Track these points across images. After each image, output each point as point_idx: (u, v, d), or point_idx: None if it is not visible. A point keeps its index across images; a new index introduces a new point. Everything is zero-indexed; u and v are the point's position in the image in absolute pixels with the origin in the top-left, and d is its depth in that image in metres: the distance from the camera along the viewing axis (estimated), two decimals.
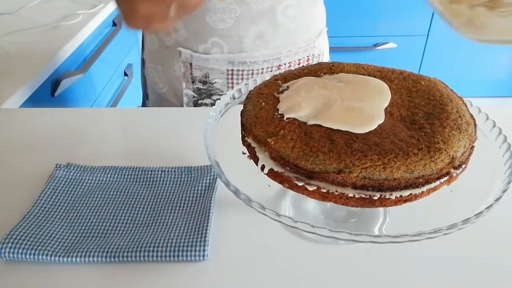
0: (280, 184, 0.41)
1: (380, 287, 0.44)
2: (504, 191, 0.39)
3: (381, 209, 0.52)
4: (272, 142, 0.40)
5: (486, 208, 0.37)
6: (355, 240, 0.36)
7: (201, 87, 0.81)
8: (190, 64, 0.79)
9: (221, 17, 0.73)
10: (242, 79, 0.79)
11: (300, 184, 0.39)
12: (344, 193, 0.38)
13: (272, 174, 0.41)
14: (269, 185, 0.44)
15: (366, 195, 0.38)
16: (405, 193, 0.38)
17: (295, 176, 0.39)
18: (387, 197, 0.38)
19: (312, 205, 0.52)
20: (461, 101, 0.45)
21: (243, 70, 0.78)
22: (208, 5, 0.72)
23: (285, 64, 0.80)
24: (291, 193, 0.53)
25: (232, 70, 0.78)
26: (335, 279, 0.44)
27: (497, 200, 0.38)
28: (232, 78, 0.79)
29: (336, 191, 0.38)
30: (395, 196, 0.38)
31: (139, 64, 0.95)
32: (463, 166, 0.41)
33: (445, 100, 0.45)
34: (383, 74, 0.50)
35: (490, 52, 2.01)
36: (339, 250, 0.47)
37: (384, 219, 0.50)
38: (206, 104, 0.83)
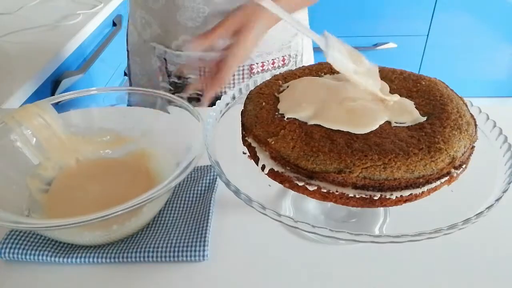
0: (280, 184, 0.41)
1: (380, 287, 0.44)
2: (504, 191, 0.39)
3: (381, 209, 0.52)
4: (273, 142, 0.40)
5: (486, 208, 0.37)
6: (355, 240, 0.36)
7: (177, 81, 0.82)
8: (165, 59, 0.80)
9: (190, 16, 0.74)
10: None
11: (301, 184, 0.39)
12: (344, 193, 0.38)
13: (272, 174, 0.41)
14: (269, 185, 0.44)
15: (366, 195, 0.38)
16: (406, 193, 0.38)
17: (296, 176, 0.39)
18: (387, 197, 0.38)
19: (312, 205, 0.52)
20: (461, 101, 0.45)
21: None
22: (178, 3, 0.73)
23: (257, 63, 0.80)
24: (291, 193, 0.53)
25: (204, 67, 0.79)
26: (335, 279, 0.44)
27: (497, 200, 0.38)
28: (204, 75, 0.79)
29: (337, 191, 0.38)
30: (396, 196, 0.38)
31: None
32: (464, 166, 0.41)
33: (446, 100, 0.45)
34: (384, 74, 0.50)
35: (490, 52, 2.01)
36: (339, 250, 0.47)
37: (385, 219, 0.50)
38: (182, 98, 0.83)
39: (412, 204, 0.40)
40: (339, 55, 0.43)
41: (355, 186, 0.38)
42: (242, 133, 0.46)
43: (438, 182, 0.39)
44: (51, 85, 1.03)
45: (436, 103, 0.44)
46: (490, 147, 0.45)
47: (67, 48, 1.08)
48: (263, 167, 0.42)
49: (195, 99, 0.83)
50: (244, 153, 0.45)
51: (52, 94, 1.03)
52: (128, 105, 0.61)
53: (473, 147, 0.42)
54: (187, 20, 0.75)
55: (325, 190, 0.39)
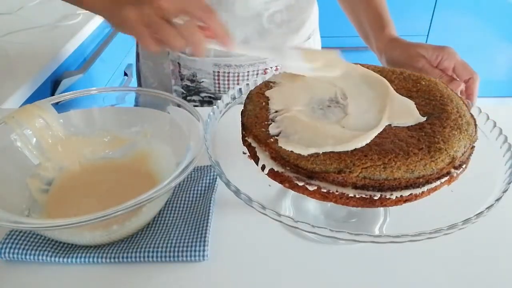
0: (280, 184, 0.41)
1: (380, 287, 0.44)
2: (504, 191, 0.39)
3: (381, 209, 0.51)
4: (272, 142, 0.40)
5: (486, 208, 0.37)
6: (355, 240, 0.36)
7: (190, 84, 0.82)
8: (178, 63, 0.80)
9: None
10: (228, 80, 0.80)
11: (301, 184, 0.39)
12: (344, 193, 0.38)
13: (272, 174, 0.41)
14: (269, 185, 0.44)
15: (366, 195, 0.38)
16: (406, 193, 0.38)
17: (296, 176, 0.39)
18: (387, 197, 0.38)
19: (312, 205, 0.52)
20: (461, 101, 0.45)
21: (229, 73, 0.79)
22: None
23: (271, 67, 0.81)
24: (291, 193, 0.53)
25: (219, 72, 0.79)
26: (335, 279, 0.44)
27: (497, 200, 0.38)
28: (218, 79, 0.80)
29: (337, 191, 0.38)
30: (396, 196, 0.38)
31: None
32: (464, 166, 0.41)
33: (446, 100, 0.45)
34: (384, 74, 0.50)
35: (490, 52, 2.01)
36: (339, 250, 0.47)
37: (385, 219, 0.50)
38: (194, 101, 0.84)
39: (412, 204, 0.40)
40: (293, 62, 0.48)
41: (355, 186, 0.38)
42: (242, 133, 0.46)
43: (438, 182, 0.39)
44: (51, 85, 1.03)
45: (436, 103, 0.44)
46: (490, 147, 0.45)
47: (67, 48, 1.08)
48: (263, 167, 0.42)
49: (207, 102, 0.83)
50: (244, 153, 0.45)
51: (52, 94, 1.03)
52: (135, 105, 0.61)
53: (473, 147, 0.42)
54: None
55: (325, 190, 0.39)
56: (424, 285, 0.44)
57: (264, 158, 0.42)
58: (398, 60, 0.65)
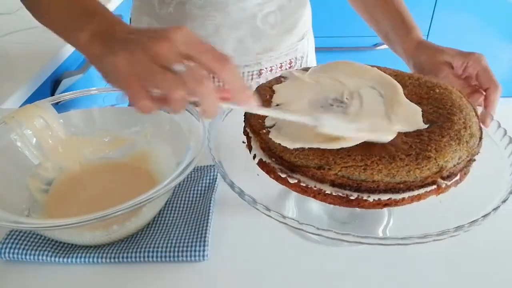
0: (267, 174, 0.42)
1: (381, 287, 0.44)
2: (510, 193, 0.38)
3: (385, 210, 0.51)
4: (264, 133, 0.41)
5: (492, 210, 0.37)
6: (360, 242, 0.36)
7: None
8: None
9: (201, 24, 0.73)
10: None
11: (283, 176, 0.40)
12: (322, 189, 0.39)
13: (261, 164, 0.42)
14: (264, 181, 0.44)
15: (343, 194, 0.38)
16: (384, 197, 0.38)
17: (279, 168, 0.40)
18: (364, 198, 0.38)
19: (315, 205, 0.52)
20: (473, 113, 0.44)
21: None
22: (187, 12, 0.72)
23: (266, 68, 0.80)
24: (294, 193, 0.53)
25: None
26: (335, 280, 0.44)
27: (503, 201, 0.37)
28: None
29: (315, 187, 0.39)
30: (373, 199, 0.38)
31: None
32: (457, 178, 0.40)
33: (455, 110, 0.44)
34: (399, 79, 0.49)
35: (491, 52, 2.01)
36: (341, 251, 0.47)
37: (388, 221, 0.50)
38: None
39: (416, 206, 0.39)
40: (336, 121, 0.40)
41: (332, 184, 0.38)
42: (244, 122, 0.46)
43: (422, 191, 0.38)
44: (51, 85, 1.03)
45: (443, 112, 0.44)
46: (495, 147, 0.45)
47: (67, 48, 1.08)
48: (254, 156, 0.43)
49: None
50: (243, 142, 0.46)
51: (52, 94, 1.03)
52: (129, 105, 0.61)
53: (471, 159, 0.41)
54: (197, 29, 0.74)
55: (304, 184, 0.39)
56: (427, 285, 0.43)
57: (256, 148, 0.43)
58: (424, 67, 0.63)
